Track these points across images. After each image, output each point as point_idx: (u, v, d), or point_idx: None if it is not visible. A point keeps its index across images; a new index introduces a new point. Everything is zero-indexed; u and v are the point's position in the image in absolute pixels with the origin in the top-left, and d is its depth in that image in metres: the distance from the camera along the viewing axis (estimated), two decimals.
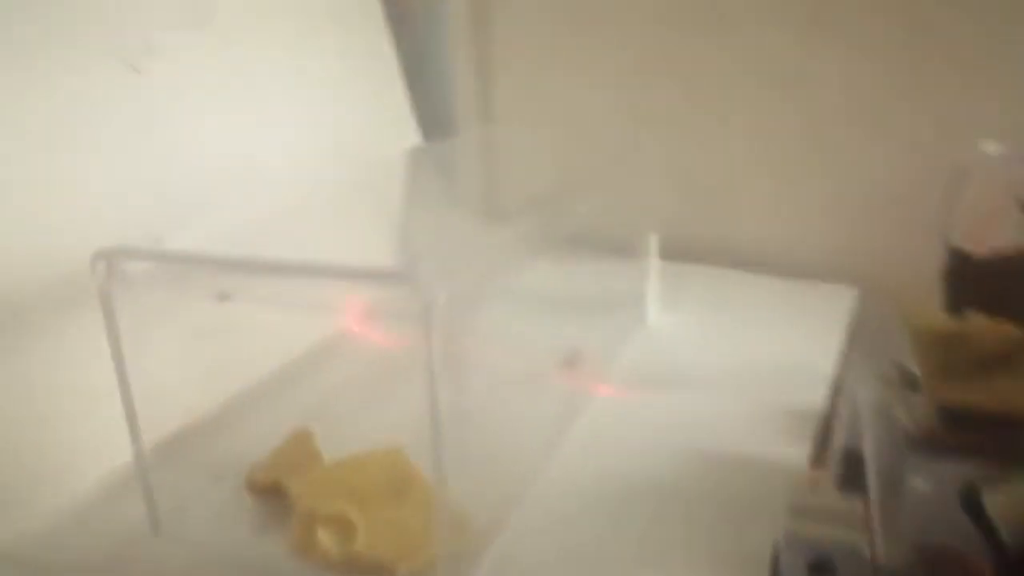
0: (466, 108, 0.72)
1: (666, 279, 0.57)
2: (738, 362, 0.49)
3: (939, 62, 0.57)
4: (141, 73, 0.46)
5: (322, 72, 0.60)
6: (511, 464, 0.38)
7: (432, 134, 0.70)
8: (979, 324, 0.32)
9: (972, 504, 0.27)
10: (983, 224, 0.39)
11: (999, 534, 0.25)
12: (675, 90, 0.65)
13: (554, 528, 0.34)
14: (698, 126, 0.66)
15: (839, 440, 0.42)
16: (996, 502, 0.25)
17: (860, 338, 0.52)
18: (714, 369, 0.48)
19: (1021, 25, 0.54)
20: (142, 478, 0.34)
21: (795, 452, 0.39)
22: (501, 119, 0.73)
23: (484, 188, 0.68)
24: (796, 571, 0.28)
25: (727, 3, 0.62)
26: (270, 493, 0.34)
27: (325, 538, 0.30)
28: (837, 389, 0.45)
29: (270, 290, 0.29)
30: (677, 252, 0.64)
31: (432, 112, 0.71)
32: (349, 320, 0.47)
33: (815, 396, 0.44)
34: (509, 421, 0.41)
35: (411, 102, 0.69)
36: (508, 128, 0.72)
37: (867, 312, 0.56)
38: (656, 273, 0.56)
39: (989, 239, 0.37)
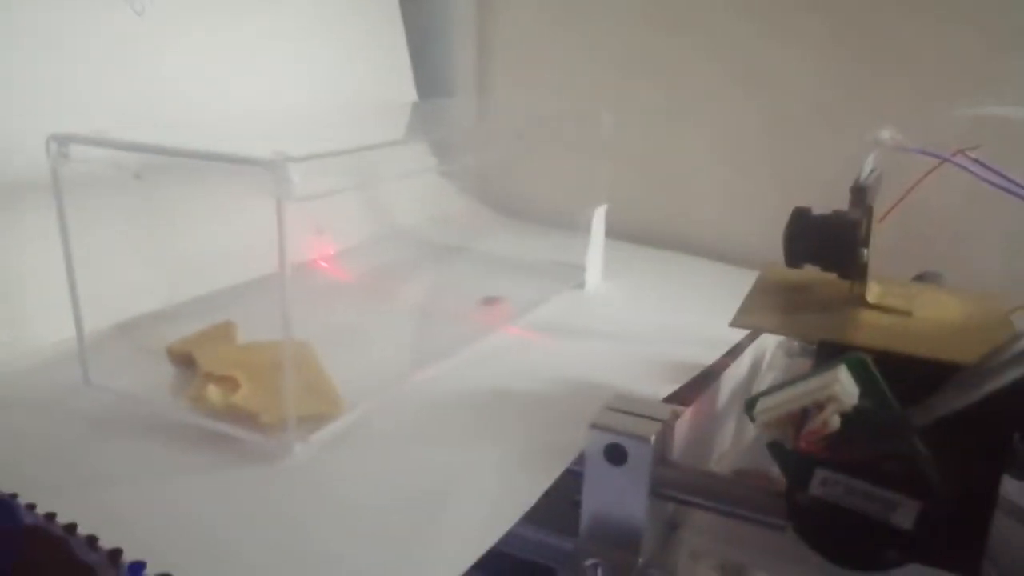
0: (464, 82, 0.78)
1: (617, 256, 0.61)
2: (652, 325, 0.53)
3: (890, 63, 0.61)
4: (141, 15, 0.52)
5: (328, 34, 0.66)
6: (396, 366, 0.43)
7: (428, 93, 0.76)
8: (820, 278, 0.35)
9: (750, 407, 0.30)
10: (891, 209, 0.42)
11: (756, 423, 0.29)
12: (647, 81, 0.70)
13: (408, 412, 0.39)
14: (665, 115, 0.70)
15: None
16: (762, 409, 0.29)
17: None
18: (626, 327, 0.52)
19: (968, 28, 0.58)
20: (79, 338, 0.40)
21: (664, 390, 0.43)
22: (494, 93, 0.78)
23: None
24: (595, 454, 0.32)
25: (702, 1, 0.67)
26: (185, 361, 0.40)
27: (212, 392, 0.35)
28: (732, 353, 0.49)
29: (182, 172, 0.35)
30: (634, 234, 0.69)
31: (432, 83, 0.77)
32: None
33: (711, 356, 0.48)
34: (407, 337, 0.46)
35: (414, 74, 0.75)
36: (498, 97, 0.77)
37: None
38: (600, 243, 0.60)
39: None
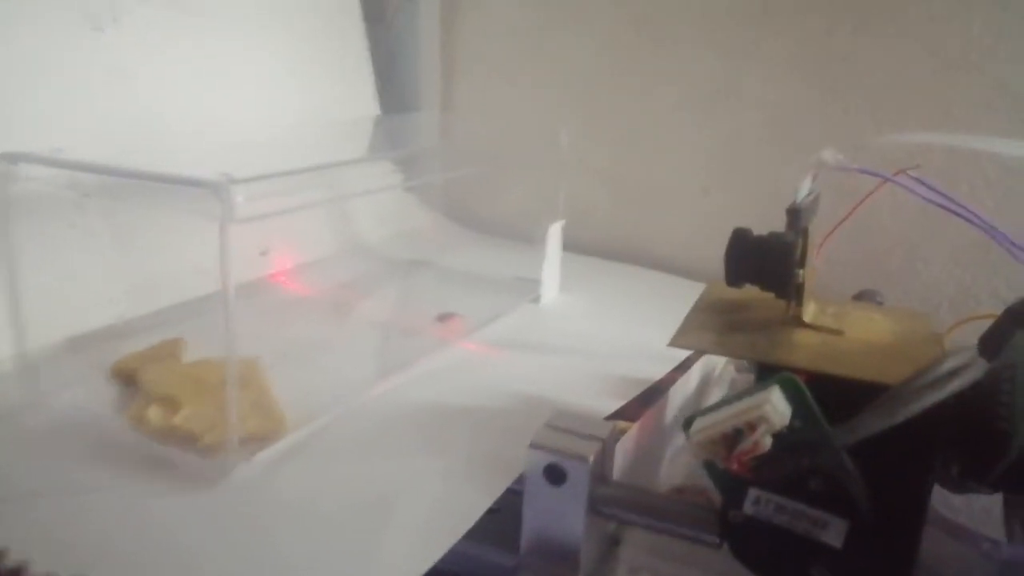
0: (429, 99, 0.78)
1: (576, 270, 0.62)
2: (606, 339, 0.53)
3: (845, 84, 0.62)
4: (104, 32, 0.52)
5: (293, 53, 0.66)
6: (349, 382, 0.43)
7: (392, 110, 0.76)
8: (761, 297, 0.36)
9: (687, 426, 0.31)
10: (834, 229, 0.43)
11: (690, 444, 0.29)
12: (610, 99, 0.71)
13: (357, 428, 0.39)
14: (627, 131, 0.71)
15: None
16: (696, 429, 0.29)
17: None
18: (580, 341, 0.52)
19: (926, 53, 0.59)
20: (24, 354, 0.39)
21: (613, 405, 0.43)
22: (459, 110, 0.79)
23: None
24: (534, 474, 0.32)
25: (665, 24, 0.68)
26: (129, 380, 0.39)
27: (153, 413, 0.35)
28: (681, 368, 0.49)
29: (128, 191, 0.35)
30: (596, 248, 0.70)
31: (398, 100, 0.77)
32: None
33: (663, 371, 0.48)
34: (361, 353, 0.46)
35: (380, 91, 0.76)
36: (462, 116, 0.78)
37: None
38: (556, 258, 0.60)
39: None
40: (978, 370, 0.28)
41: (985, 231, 0.43)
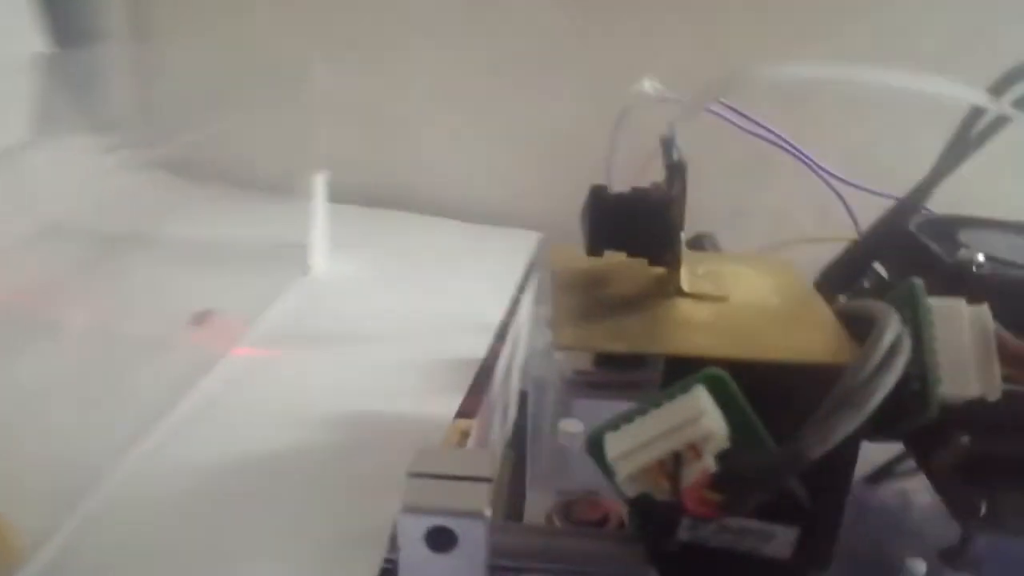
0: (117, 26, 0.61)
1: (338, 225, 0.52)
2: (407, 313, 0.46)
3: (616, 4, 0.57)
4: None
5: None
6: (86, 451, 0.30)
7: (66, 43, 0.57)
8: (621, 263, 0.30)
9: (597, 448, 0.25)
10: (642, 164, 0.38)
11: (614, 478, 0.23)
12: (356, 17, 0.60)
13: (133, 522, 0.27)
14: (381, 59, 0.61)
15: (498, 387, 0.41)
16: (614, 444, 0.24)
17: (533, 284, 0.51)
18: (379, 321, 0.44)
19: None
20: None
21: (450, 405, 0.36)
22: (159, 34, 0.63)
23: (133, 110, 0.58)
24: (413, 545, 0.24)
25: None
26: None
27: None
28: (502, 336, 0.43)
29: None
30: (354, 196, 0.60)
31: (71, 29, 0.59)
32: None
33: (482, 345, 0.42)
34: (91, 398, 0.33)
35: (44, 17, 0.57)
36: (166, 42, 0.62)
37: (545, 257, 0.55)
38: (323, 218, 0.50)
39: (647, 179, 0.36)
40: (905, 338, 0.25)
41: (798, 157, 0.42)
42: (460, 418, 0.35)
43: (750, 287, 0.30)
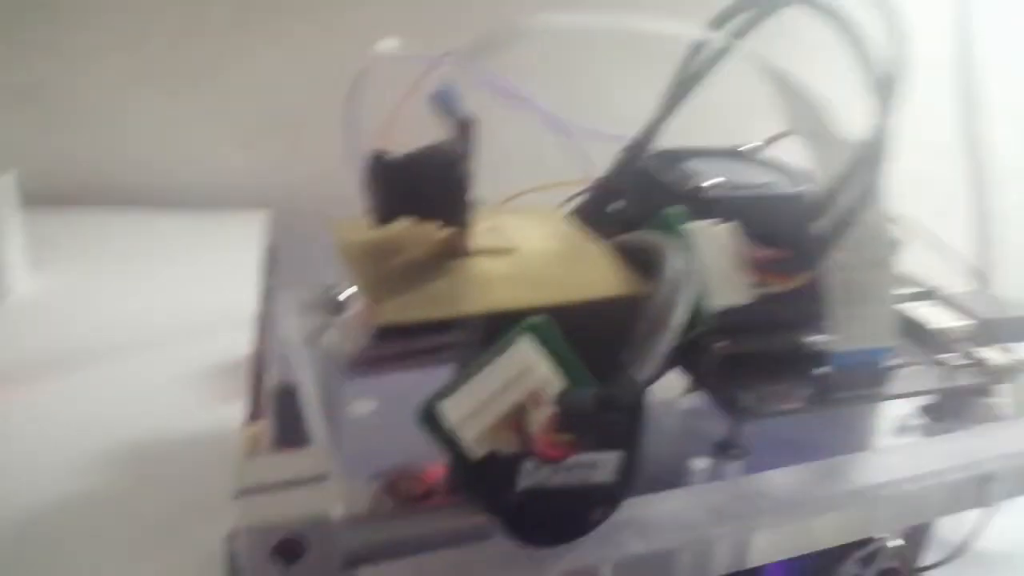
0: None
1: (35, 233, 0.44)
2: (146, 321, 0.41)
3: None
4: None
5: None
6: None
7: None
8: (407, 229, 0.30)
9: (431, 418, 0.24)
10: (390, 125, 0.37)
11: (459, 442, 0.23)
12: None
13: None
14: (57, 38, 0.52)
15: (273, 381, 0.38)
16: (453, 410, 0.23)
17: (278, 267, 0.48)
18: (114, 335, 0.39)
19: None
20: None
21: (231, 412, 0.33)
22: None
23: None
24: (260, 564, 0.22)
25: None
26: None
27: None
28: (261, 327, 0.40)
29: None
30: (48, 197, 0.51)
31: None
32: None
33: (242, 340, 0.39)
34: None
35: None
36: None
37: (282, 237, 0.52)
38: (15, 229, 0.43)
39: (399, 140, 0.35)
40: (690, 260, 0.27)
41: (535, 111, 0.43)
42: (249, 423, 0.32)
43: (531, 236, 0.31)
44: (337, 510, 0.23)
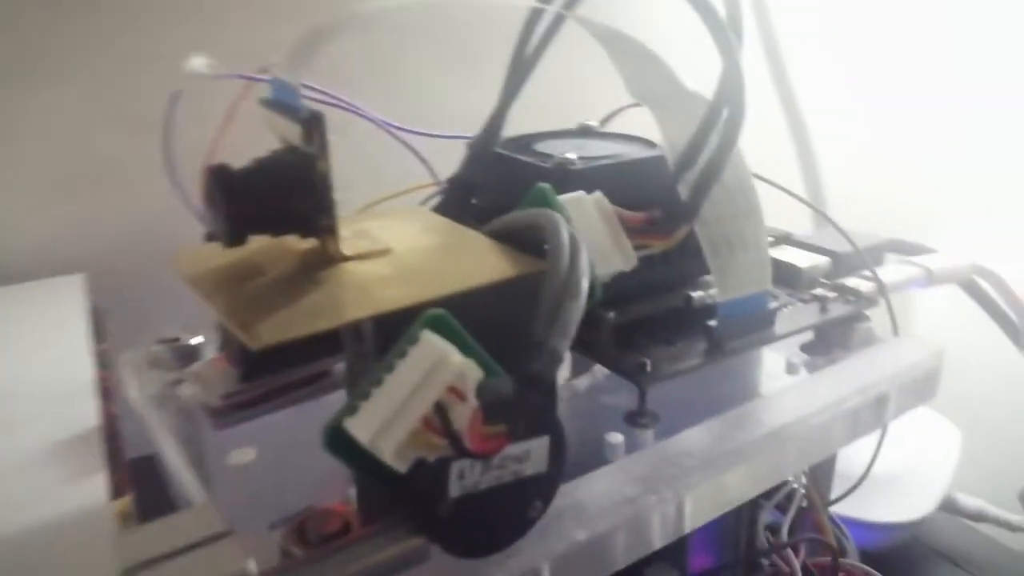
0: None
1: None
2: None
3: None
4: None
5: None
6: None
7: None
8: (264, 247, 0.27)
9: (338, 441, 0.22)
10: (215, 149, 0.34)
11: (378, 459, 0.21)
12: None
13: None
14: None
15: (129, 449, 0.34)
16: (363, 426, 0.21)
17: (105, 331, 0.43)
18: None
19: None
20: None
21: (92, 489, 0.28)
22: None
23: None
24: None
25: None
26: None
27: None
28: (104, 394, 0.36)
29: None
30: None
31: None
32: None
33: (89, 409, 0.34)
34: None
35: None
36: None
37: (104, 300, 0.47)
38: None
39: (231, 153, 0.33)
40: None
41: (362, 115, 0.41)
42: (115, 499, 0.28)
43: (403, 235, 0.29)
44: (252, 566, 0.19)
